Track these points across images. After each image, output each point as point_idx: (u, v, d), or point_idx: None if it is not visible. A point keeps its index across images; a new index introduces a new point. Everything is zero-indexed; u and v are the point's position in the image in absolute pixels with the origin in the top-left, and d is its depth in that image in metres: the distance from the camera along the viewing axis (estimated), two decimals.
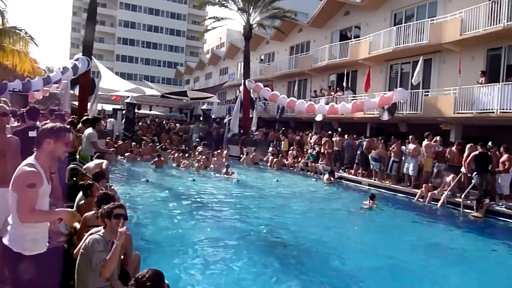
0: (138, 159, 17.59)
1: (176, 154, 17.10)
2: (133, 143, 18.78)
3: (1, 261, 3.86)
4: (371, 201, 10.64)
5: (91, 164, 7.29)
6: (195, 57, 66.74)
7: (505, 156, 10.76)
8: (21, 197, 2.62)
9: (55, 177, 4.69)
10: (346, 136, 16.87)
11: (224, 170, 14.93)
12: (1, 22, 18.26)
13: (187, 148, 19.24)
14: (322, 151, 17.12)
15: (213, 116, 31.23)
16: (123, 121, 21.66)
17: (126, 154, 17.17)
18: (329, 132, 18.11)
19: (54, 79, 16.82)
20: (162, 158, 16.15)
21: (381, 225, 9.28)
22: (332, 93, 21.81)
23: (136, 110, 23.61)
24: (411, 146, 12.97)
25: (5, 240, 2.76)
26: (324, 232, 8.18)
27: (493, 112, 13.38)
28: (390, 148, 13.90)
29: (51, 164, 5.13)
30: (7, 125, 4.18)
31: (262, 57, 34.00)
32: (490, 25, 14.07)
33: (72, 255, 4.36)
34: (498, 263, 7.06)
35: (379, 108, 16.63)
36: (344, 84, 21.12)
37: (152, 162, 16.08)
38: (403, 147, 13.46)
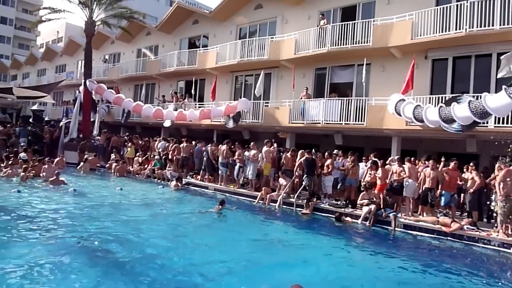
0: None
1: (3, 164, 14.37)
2: None
3: None
4: (220, 206, 10.89)
5: None
6: (25, 50, 58.38)
7: (328, 161, 12.52)
8: None
9: None
10: (194, 142, 17.08)
11: (53, 178, 13.29)
12: None
13: (11, 155, 16.46)
14: (170, 157, 16.92)
15: (46, 118, 27.75)
16: None
17: None
18: (178, 139, 18.05)
19: None
20: None
21: (225, 227, 9.68)
22: (188, 99, 21.74)
23: None
24: (252, 152, 13.90)
25: None
26: (169, 238, 8.09)
27: (319, 123, 15.40)
28: (237, 154, 14.61)
29: None
30: None
31: (107, 57, 31.87)
32: (318, 48, 16.23)
33: None
34: (318, 249, 8.24)
35: (225, 116, 17.45)
36: (192, 91, 21.40)
37: None
38: (246, 153, 14.33)
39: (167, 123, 19.43)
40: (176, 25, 25.15)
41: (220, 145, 15.27)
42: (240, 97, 18.57)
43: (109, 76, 29.22)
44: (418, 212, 11.10)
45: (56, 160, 16.75)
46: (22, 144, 19.76)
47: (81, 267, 5.92)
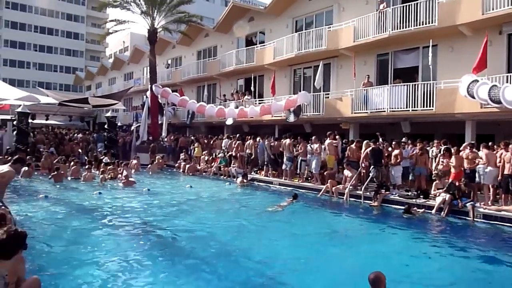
0: (36, 173, 15.95)
1: (74, 166, 15.68)
2: (27, 157, 16.92)
3: None
4: (293, 199, 11.17)
5: None
6: (96, 61, 62.81)
7: (396, 151, 12.03)
8: None
9: None
10: (258, 138, 17.27)
11: (124, 179, 14.22)
12: None
13: (92, 160, 17.89)
14: (234, 154, 17.32)
15: (119, 124, 29.72)
16: (15, 132, 19.49)
17: (22, 169, 15.35)
18: (241, 135, 18.41)
19: None
20: (62, 172, 14.87)
21: (294, 221, 9.66)
22: (247, 96, 22.12)
23: (30, 120, 21.43)
24: (315, 145, 13.78)
25: None
26: (240, 233, 8.31)
27: (384, 111, 14.84)
28: (298, 148, 14.59)
29: None
30: None
31: (169, 62, 33.32)
32: (378, 33, 15.61)
33: None
34: (390, 242, 7.94)
35: (285, 110, 17.47)
36: (252, 88, 21.67)
37: (50, 176, 14.71)
38: (308, 147, 14.24)
39: (229, 121, 19.94)
40: (232, 24, 25.59)
41: (283, 140, 15.31)
42: (300, 91, 18.47)
43: (172, 80, 30.55)
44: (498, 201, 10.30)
45: (132, 163, 17.84)
46: (99, 149, 21.40)
47: (157, 261, 6.30)
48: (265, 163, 16.13)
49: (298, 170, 14.68)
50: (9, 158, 11.96)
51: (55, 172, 14.52)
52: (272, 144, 15.90)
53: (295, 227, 9.08)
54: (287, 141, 14.82)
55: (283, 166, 15.01)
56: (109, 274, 5.66)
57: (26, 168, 14.51)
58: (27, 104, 20.21)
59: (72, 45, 65.17)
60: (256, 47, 22.85)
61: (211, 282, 5.56)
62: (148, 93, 23.48)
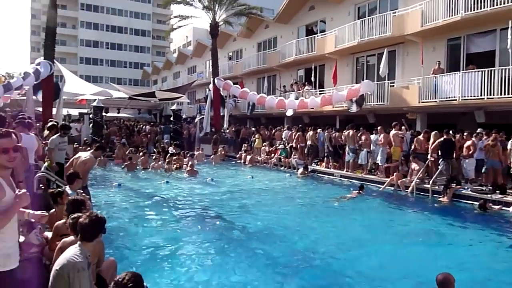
0: (110, 163, 17.16)
1: (143, 157, 16.65)
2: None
3: None
4: (359, 191, 10.99)
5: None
6: (161, 56, 65.71)
7: (469, 142, 11.22)
8: None
9: (23, 186, 4.53)
10: (319, 130, 17.03)
11: (188, 168, 14.78)
12: None
13: (159, 150, 18.88)
14: (294, 145, 17.28)
15: (183, 116, 30.89)
16: (91, 125, 21.09)
17: (98, 158, 16.64)
18: (301, 127, 18.30)
19: (15, 85, 16.09)
20: (134, 162, 15.85)
21: (358, 214, 9.44)
22: (307, 87, 21.91)
23: (104, 114, 23.03)
24: (380, 136, 13.30)
25: None
26: (309, 224, 8.29)
27: (455, 100, 13.91)
28: (362, 139, 14.17)
29: (18, 172, 4.95)
30: None
31: (230, 54, 33.91)
32: (449, 16, 14.60)
33: (45, 265, 4.25)
34: (462, 240, 7.44)
35: (347, 100, 16.99)
36: (312, 78, 21.38)
37: (123, 165, 15.76)
38: (373, 137, 13.79)
39: (289, 112, 19.82)
40: (293, 14, 25.35)
41: (345, 131, 14.98)
42: (362, 79, 17.86)
43: (233, 72, 31.09)
44: None
45: (196, 153, 18.55)
46: (165, 140, 22.45)
47: (219, 248, 6.52)
48: (325, 154, 15.91)
49: (360, 161, 14.29)
50: (88, 148, 12.97)
51: (128, 162, 15.53)
52: (332, 135, 15.62)
53: (360, 221, 8.87)
54: (350, 132, 14.46)
55: (346, 158, 14.69)
56: (174, 260, 5.97)
57: (101, 157, 15.63)
58: (101, 98, 21.72)
59: (139, 41, 68.75)
60: (317, 36, 22.46)
61: (269, 271, 5.64)
62: (211, 86, 24.13)
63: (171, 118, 24.14)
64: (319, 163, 16.45)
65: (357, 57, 20.86)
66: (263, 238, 7.22)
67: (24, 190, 2.69)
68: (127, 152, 17.57)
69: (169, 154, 17.14)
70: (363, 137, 14.03)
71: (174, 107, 24.49)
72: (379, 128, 13.78)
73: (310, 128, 17.41)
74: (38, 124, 13.45)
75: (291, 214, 9.43)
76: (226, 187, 12.69)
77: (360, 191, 11.19)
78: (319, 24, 23.96)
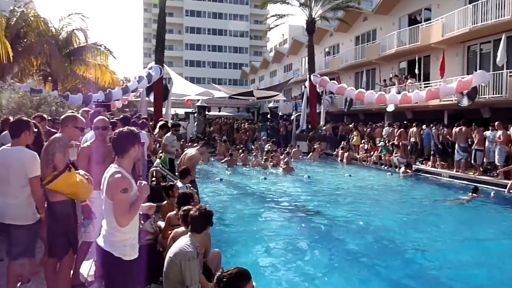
0: (212, 159, 18.22)
1: (243, 154, 17.34)
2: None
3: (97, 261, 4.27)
4: (473, 194, 10.00)
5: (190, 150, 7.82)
6: (259, 56, 67.46)
7: None
8: (116, 203, 2.73)
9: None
10: (424, 126, 15.85)
11: (284, 166, 14.89)
12: (85, 40, 20.02)
13: (257, 147, 19.50)
14: (396, 143, 16.39)
15: (280, 113, 31.34)
16: (195, 123, 22.63)
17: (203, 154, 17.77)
18: (404, 123, 17.26)
19: (131, 88, 18.10)
20: (234, 158, 16.61)
21: (475, 220, 8.63)
22: (410, 80, 20.58)
23: (207, 112, 24.51)
24: (498, 132, 11.90)
25: (102, 244, 2.88)
26: (416, 229, 7.80)
27: None
28: (473, 136, 12.87)
29: (138, 167, 5.54)
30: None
31: (327, 50, 33.40)
32: None
33: (158, 252, 4.70)
34: None
35: (457, 93, 15.56)
36: (416, 71, 20.00)
37: (223, 161, 16.60)
38: (488, 134, 12.41)
39: (390, 108, 18.89)
40: (394, 3, 23.96)
41: (455, 127, 13.74)
42: (475, 70, 16.16)
43: (330, 68, 30.57)
44: None
45: (293, 150, 18.71)
46: (263, 137, 23.05)
47: (314, 247, 6.49)
48: (432, 152, 14.77)
49: (473, 161, 12.96)
50: (195, 144, 13.96)
51: (229, 158, 16.35)
52: (440, 132, 14.43)
53: (474, 227, 8.04)
54: (463, 128, 13.20)
55: (456, 157, 13.45)
56: (269, 254, 6.13)
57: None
58: (204, 98, 23.18)
59: (238, 42, 71.51)
60: (421, 25, 20.91)
61: (364, 272, 5.46)
62: (307, 83, 24.07)
63: (268, 116, 24.70)
64: (424, 162, 15.34)
65: (468, 46, 18.91)
66: (360, 240, 7.01)
67: (145, 182, 2.98)
68: (229, 149, 18.46)
69: (266, 151, 17.58)
70: (476, 134, 12.69)
71: (271, 105, 25.04)
72: (496, 123, 12.31)
73: (413, 124, 16.32)
74: (150, 123, 14.85)
75: (394, 215, 8.97)
76: (323, 185, 12.58)
77: (475, 194, 10.07)
78: (424, 12, 22.26)
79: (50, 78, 20.53)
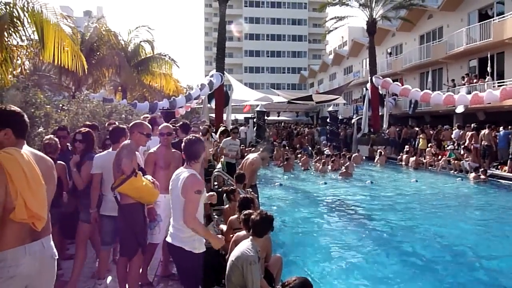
0: (272, 163, 18.30)
1: (303, 158, 17.22)
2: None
3: (166, 258, 4.48)
4: None
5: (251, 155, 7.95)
6: (317, 59, 66.74)
7: None
8: (188, 201, 3.01)
9: None
10: (501, 128, 14.63)
11: (343, 170, 14.54)
12: (151, 51, 21.14)
13: (316, 152, 19.27)
14: (467, 146, 15.33)
15: (339, 117, 30.76)
16: (255, 128, 22.92)
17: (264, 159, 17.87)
18: (475, 125, 16.09)
19: (194, 95, 18.79)
20: (291, 162, 16.57)
21: None
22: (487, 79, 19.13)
23: (266, 117, 24.73)
24: None
25: (171, 241, 3.18)
26: (483, 238, 7.31)
27: None
28: None
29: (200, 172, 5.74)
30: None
31: (389, 50, 32.22)
32: None
33: (221, 255, 4.81)
34: None
35: None
36: (489, 68, 18.60)
37: (280, 164, 16.61)
38: None
39: (459, 109, 17.73)
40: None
41: None
42: None
43: (392, 69, 29.43)
44: None
45: (353, 155, 18.21)
46: (323, 142, 22.76)
47: (374, 254, 6.25)
48: (510, 157, 13.60)
49: None
50: (252, 149, 14.12)
51: (285, 162, 16.32)
52: None
53: None
54: None
55: None
56: (330, 260, 6.01)
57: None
58: (263, 103, 23.41)
59: (296, 47, 71.40)
60: (493, 20, 19.43)
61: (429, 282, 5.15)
62: (368, 85, 23.40)
63: (328, 120, 24.34)
64: (499, 166, 14.19)
65: None
66: (426, 249, 6.63)
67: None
68: (285, 154, 18.45)
69: (325, 155, 17.32)
70: None
71: (330, 108, 24.65)
72: None
73: (486, 126, 15.18)
74: (212, 128, 15.28)
75: (466, 225, 8.38)
76: (388, 191, 12.10)
77: None
78: (496, 6, 20.67)
79: (120, 88, 21.94)
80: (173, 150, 4.46)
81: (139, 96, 23.09)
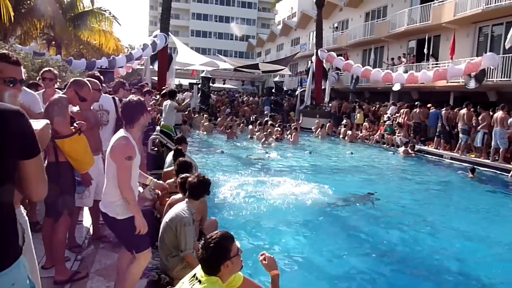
0: (215, 130, 18.20)
1: (251, 126, 17.35)
2: (205, 116, 19.24)
3: (96, 220, 4.35)
4: (472, 175, 10.36)
5: None
6: (266, 29, 66.13)
7: None
8: (119, 168, 2.86)
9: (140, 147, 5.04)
10: (431, 106, 15.65)
11: (294, 138, 14.95)
12: (90, 5, 19.64)
13: (260, 121, 19.40)
14: (401, 122, 16.28)
15: (285, 88, 31.08)
16: (199, 94, 22.49)
17: (205, 124, 17.69)
18: (409, 103, 17.10)
19: (135, 55, 17.89)
20: (234, 130, 16.64)
21: (474, 202, 8.59)
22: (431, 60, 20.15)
23: (211, 84, 24.30)
24: (499, 114, 11.80)
25: (101, 206, 3.06)
26: (405, 205, 7.90)
27: None
28: (479, 119, 12.72)
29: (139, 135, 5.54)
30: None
31: (336, 25, 32.73)
32: None
33: (156, 218, 4.76)
34: None
35: (464, 75, 15.34)
36: (425, 50, 19.64)
37: (223, 133, 16.66)
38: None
39: (396, 87, 18.67)
40: None
41: (458, 109, 13.61)
42: (485, 52, 15.85)
43: (338, 44, 30.04)
44: None
45: (293, 125, 18.61)
46: (265, 112, 22.95)
47: (331, 223, 6.55)
48: (437, 134, 14.68)
49: (476, 143, 12.88)
50: (196, 116, 13.92)
51: (228, 130, 16.35)
52: (449, 114, 14.26)
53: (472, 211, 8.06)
54: (463, 111, 13.11)
55: (460, 140, 13.38)
56: (267, 226, 6.18)
57: (207, 123, 16.89)
58: (209, 69, 22.92)
59: (245, 14, 70.07)
60: (433, 3, 20.37)
61: (360, 250, 5.53)
62: (313, 58, 23.72)
63: (273, 90, 24.51)
64: (426, 143, 15.29)
65: (480, 27, 18.47)
66: (357, 215, 7.08)
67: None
68: (228, 121, 18.45)
69: (267, 125, 17.53)
70: (480, 117, 12.56)
71: (276, 79, 24.77)
72: (501, 106, 12.18)
73: (418, 105, 16.18)
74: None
75: (393, 193, 9.01)
76: (324, 162, 12.59)
77: (472, 175, 10.21)
78: None
79: (53, 42, 20.31)
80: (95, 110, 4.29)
81: (75, 53, 21.59)
